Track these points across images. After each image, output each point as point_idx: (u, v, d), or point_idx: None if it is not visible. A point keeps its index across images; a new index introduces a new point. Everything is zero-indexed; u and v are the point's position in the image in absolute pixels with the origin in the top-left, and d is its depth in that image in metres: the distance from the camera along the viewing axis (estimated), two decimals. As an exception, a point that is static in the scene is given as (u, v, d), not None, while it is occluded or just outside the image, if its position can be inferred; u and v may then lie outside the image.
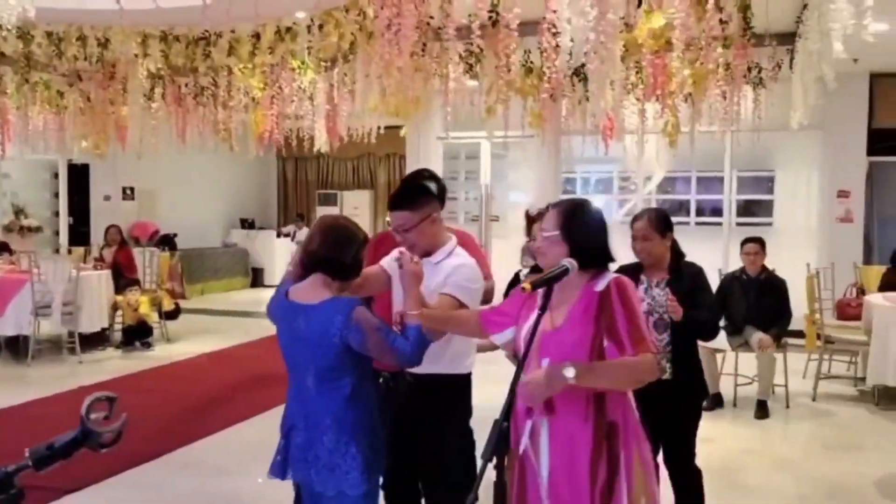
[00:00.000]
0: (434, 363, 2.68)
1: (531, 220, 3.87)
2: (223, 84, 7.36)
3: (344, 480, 2.41)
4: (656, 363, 2.40)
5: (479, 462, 2.05)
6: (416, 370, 2.68)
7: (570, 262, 2.42)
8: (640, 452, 2.35)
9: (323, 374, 2.45)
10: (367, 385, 2.53)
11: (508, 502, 3.30)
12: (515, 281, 3.52)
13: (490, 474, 1.99)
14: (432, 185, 3.42)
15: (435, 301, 2.69)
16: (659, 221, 3.37)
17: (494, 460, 2.03)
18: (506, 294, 3.47)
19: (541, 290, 2.27)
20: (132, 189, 11.94)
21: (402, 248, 2.71)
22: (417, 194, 3.04)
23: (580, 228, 2.40)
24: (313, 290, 2.48)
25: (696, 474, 3.34)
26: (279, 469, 2.52)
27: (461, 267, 2.79)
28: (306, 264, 2.53)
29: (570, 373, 2.18)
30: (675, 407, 3.22)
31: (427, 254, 2.80)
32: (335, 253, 2.48)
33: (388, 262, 2.88)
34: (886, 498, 4.19)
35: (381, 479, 2.59)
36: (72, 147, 8.56)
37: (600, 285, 2.34)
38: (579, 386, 2.20)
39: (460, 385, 2.87)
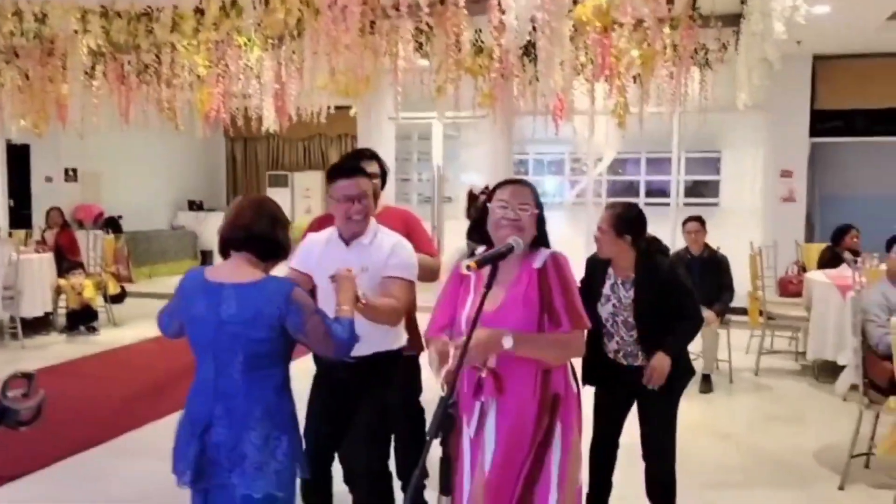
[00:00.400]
0: (372, 343, 2.75)
1: (474, 198, 3.87)
2: (167, 61, 7.17)
3: (274, 480, 2.24)
4: (584, 340, 2.48)
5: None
6: (357, 353, 2.66)
7: (515, 241, 2.43)
8: (577, 417, 2.43)
9: (253, 361, 2.26)
10: (288, 379, 2.38)
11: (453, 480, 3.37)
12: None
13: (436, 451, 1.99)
14: (373, 164, 3.46)
15: (382, 286, 2.74)
16: (618, 220, 3.17)
17: (440, 437, 2.04)
18: None
19: (485, 269, 2.27)
20: (75, 170, 11.61)
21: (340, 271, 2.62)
22: (374, 164, 3.30)
23: (542, 208, 2.45)
24: (240, 270, 2.31)
25: (671, 470, 3.27)
26: (190, 475, 2.26)
27: (399, 246, 2.86)
28: (234, 241, 2.34)
29: (508, 342, 2.22)
30: (650, 393, 3.17)
31: (357, 234, 2.85)
32: (269, 230, 2.34)
33: (302, 264, 2.92)
34: (824, 467, 4.34)
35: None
36: (10, 126, 8.26)
37: (537, 262, 2.38)
38: (517, 355, 2.26)
39: (397, 359, 2.95)
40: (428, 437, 2.01)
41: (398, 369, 2.97)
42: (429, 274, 3.45)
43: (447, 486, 2.05)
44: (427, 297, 2.98)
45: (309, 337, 2.29)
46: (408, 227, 3.63)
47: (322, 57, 6.40)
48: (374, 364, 2.85)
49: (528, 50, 6.55)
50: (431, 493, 2.41)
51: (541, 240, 2.44)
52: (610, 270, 3.26)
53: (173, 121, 8.04)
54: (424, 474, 3.59)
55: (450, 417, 2.03)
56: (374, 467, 2.85)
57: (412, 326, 3.55)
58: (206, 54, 7.05)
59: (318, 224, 3.28)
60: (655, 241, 3.35)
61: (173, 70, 7.22)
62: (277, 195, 13.88)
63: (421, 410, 3.67)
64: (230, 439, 2.23)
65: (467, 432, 2.36)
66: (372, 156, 3.48)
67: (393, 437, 3.69)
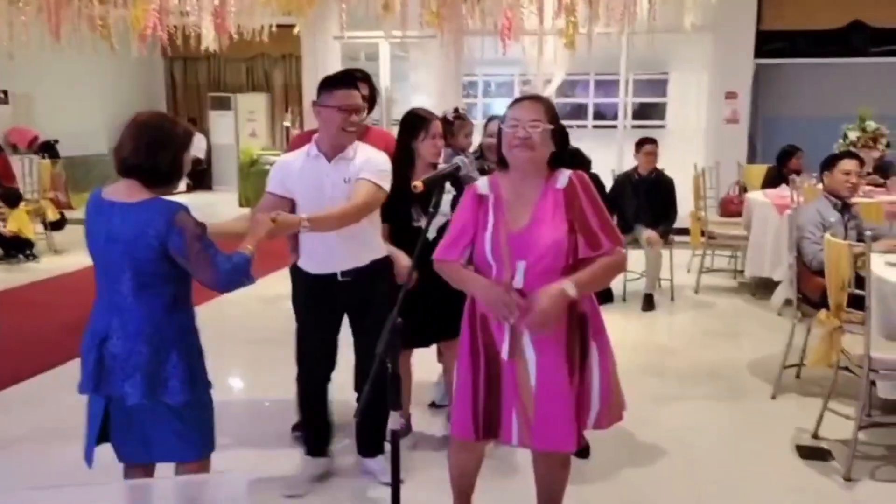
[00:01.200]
0: (359, 257, 2.98)
1: (448, 123, 3.83)
2: (98, -25, 6.81)
3: (163, 390, 2.31)
4: (626, 256, 2.48)
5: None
6: (344, 267, 2.96)
7: (461, 161, 2.42)
8: (608, 337, 2.44)
9: (141, 279, 2.29)
10: (188, 297, 2.40)
11: (404, 396, 3.44)
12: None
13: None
14: (364, 87, 3.47)
15: (353, 188, 2.85)
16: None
17: (388, 354, 2.07)
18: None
19: (488, 192, 2.33)
20: (5, 92, 11.08)
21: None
22: (366, 81, 3.42)
23: (560, 123, 2.36)
24: (129, 190, 2.31)
25: None
26: (90, 384, 2.36)
27: (373, 156, 2.97)
28: (119, 170, 2.34)
29: (572, 291, 2.19)
30: None
31: (342, 149, 2.94)
32: (147, 159, 2.28)
33: (280, 187, 2.97)
34: (757, 378, 4.55)
35: (209, 389, 2.46)
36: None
37: (560, 182, 2.32)
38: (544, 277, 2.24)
39: (388, 264, 3.12)
40: (378, 354, 2.05)
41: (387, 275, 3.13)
42: None
43: (396, 402, 2.10)
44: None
45: (190, 262, 2.28)
46: (388, 148, 3.65)
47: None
48: (369, 275, 3.02)
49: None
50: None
51: (561, 159, 2.36)
52: None
53: (108, 39, 7.70)
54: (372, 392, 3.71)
55: (397, 335, 2.06)
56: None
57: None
58: (139, -33, 6.72)
59: (299, 141, 3.28)
60: (579, 154, 3.41)
61: (105, -16, 6.87)
62: (220, 118, 13.60)
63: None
64: (124, 351, 2.31)
65: (500, 355, 2.34)
66: (363, 77, 3.47)
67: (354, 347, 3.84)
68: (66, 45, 7.66)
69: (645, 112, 11.98)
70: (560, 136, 2.34)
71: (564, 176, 2.34)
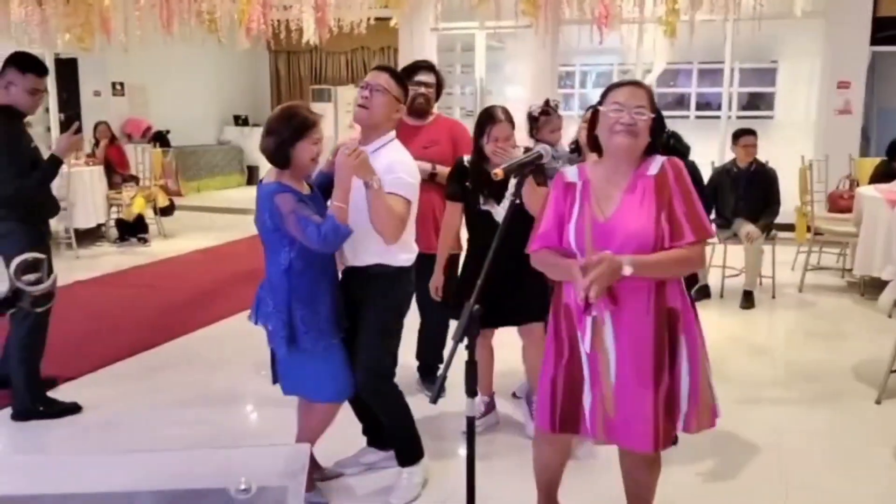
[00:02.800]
0: (366, 255, 2.84)
1: (534, 119, 3.82)
2: (207, -29, 7.10)
3: (272, 337, 2.77)
4: (704, 252, 2.36)
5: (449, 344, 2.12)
6: (350, 262, 2.90)
7: (544, 149, 2.40)
8: (701, 338, 2.33)
9: (266, 245, 2.75)
10: (308, 264, 2.71)
11: (485, 376, 3.45)
12: (460, 168, 3.41)
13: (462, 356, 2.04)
14: (430, 75, 3.55)
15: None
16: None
17: (465, 341, 2.09)
18: (450, 179, 3.46)
19: (576, 179, 2.28)
20: (122, 84, 11.73)
21: (344, 143, 2.77)
22: (430, 74, 3.60)
23: (660, 115, 2.29)
24: (269, 175, 2.74)
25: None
26: (253, 313, 2.82)
27: (398, 163, 2.80)
28: None
29: (627, 270, 2.10)
30: None
31: (366, 141, 2.86)
32: (262, 145, 2.69)
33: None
34: (860, 381, 4.32)
35: (321, 346, 2.76)
36: (56, 40, 8.35)
37: (652, 169, 2.24)
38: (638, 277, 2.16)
39: (391, 276, 2.89)
40: (454, 341, 2.07)
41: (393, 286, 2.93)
42: None
43: (472, 388, 2.12)
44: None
45: (293, 233, 2.63)
46: (453, 137, 3.71)
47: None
48: (365, 279, 2.88)
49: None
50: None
51: (655, 147, 2.29)
52: None
53: (215, 33, 8.03)
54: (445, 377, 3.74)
55: (475, 322, 2.07)
56: (372, 363, 2.88)
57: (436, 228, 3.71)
58: (245, -37, 6.97)
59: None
60: (677, 138, 3.30)
61: (213, -20, 7.16)
62: (320, 110, 13.83)
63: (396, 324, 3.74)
64: (262, 298, 2.80)
65: (581, 348, 2.29)
66: (429, 67, 3.69)
67: (423, 328, 3.87)
68: (177, 38, 8.05)
69: (752, 102, 11.53)
70: (658, 124, 2.26)
71: (657, 163, 2.25)
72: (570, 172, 2.35)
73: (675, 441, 3.25)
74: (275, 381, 2.92)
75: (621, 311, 2.22)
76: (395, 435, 3.10)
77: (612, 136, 2.21)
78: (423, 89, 3.71)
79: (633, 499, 2.56)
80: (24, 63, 3.61)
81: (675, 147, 3.30)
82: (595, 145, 2.31)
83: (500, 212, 3.24)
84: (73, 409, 3.86)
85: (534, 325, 3.33)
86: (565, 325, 2.33)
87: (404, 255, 2.91)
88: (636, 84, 2.31)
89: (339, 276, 2.94)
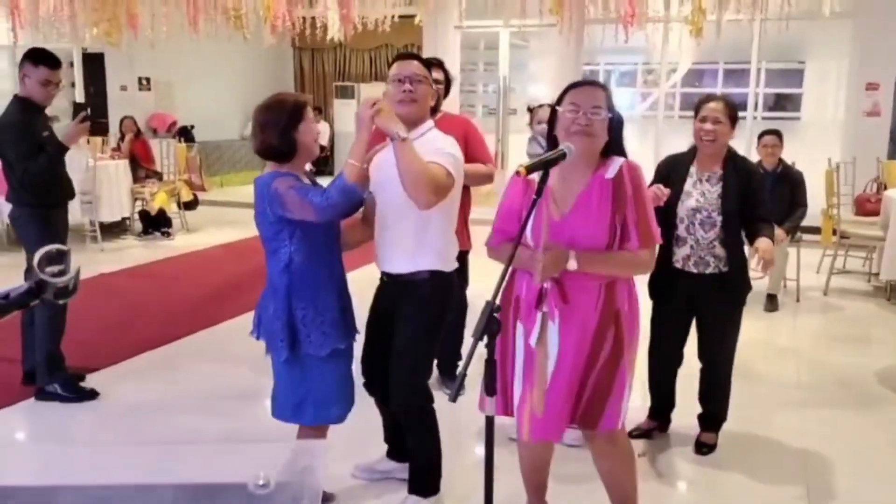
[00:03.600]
0: (409, 260, 2.64)
1: (530, 110, 3.93)
2: (232, -32, 7.15)
3: (272, 343, 2.58)
4: (653, 258, 2.42)
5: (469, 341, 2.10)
6: (387, 269, 2.72)
7: (567, 147, 2.38)
8: (637, 338, 2.43)
9: (265, 242, 2.58)
10: (310, 259, 2.53)
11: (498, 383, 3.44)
12: None
13: (482, 352, 2.03)
14: (439, 72, 3.52)
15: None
16: (732, 108, 3.22)
17: (485, 339, 2.08)
18: None
19: (535, 177, 2.23)
20: (148, 79, 11.84)
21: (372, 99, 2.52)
22: (438, 70, 3.47)
23: (618, 114, 2.33)
24: (268, 168, 2.58)
25: (728, 376, 3.33)
26: (254, 327, 2.69)
27: (440, 137, 2.68)
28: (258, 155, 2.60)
29: (572, 264, 2.18)
30: (717, 302, 3.21)
31: (406, 121, 2.61)
32: (261, 140, 2.51)
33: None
34: (883, 386, 4.26)
35: (326, 350, 2.55)
36: (84, 35, 8.44)
37: (610, 172, 2.28)
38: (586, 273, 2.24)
39: (433, 284, 2.67)
40: (473, 339, 2.06)
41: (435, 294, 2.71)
42: (484, 178, 3.57)
43: (492, 387, 2.11)
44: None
45: (293, 211, 2.44)
46: (466, 134, 3.68)
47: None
48: (402, 286, 2.68)
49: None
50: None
51: (615, 147, 2.32)
52: (692, 168, 3.23)
53: (241, 30, 8.08)
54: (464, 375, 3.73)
55: (495, 321, 2.06)
56: (412, 378, 2.72)
57: (465, 225, 3.68)
58: (270, -40, 7.01)
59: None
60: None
61: (238, -24, 7.21)
62: (344, 107, 13.96)
63: (464, 304, 3.74)
64: (261, 302, 2.67)
65: (527, 340, 2.35)
66: (437, 63, 3.62)
67: None
68: (202, 34, 8.11)
69: (779, 103, 11.43)
70: (615, 123, 2.29)
71: (615, 165, 2.28)
72: (518, 168, 2.36)
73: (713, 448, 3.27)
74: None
75: (571, 310, 2.29)
76: (416, 458, 2.85)
77: (568, 137, 2.25)
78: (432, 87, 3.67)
79: (611, 495, 2.57)
80: (37, 56, 3.80)
81: None
82: (555, 145, 2.33)
83: None
84: (91, 394, 3.97)
85: None
86: (511, 318, 2.40)
87: (443, 259, 2.70)
88: (593, 84, 2.37)
89: (380, 280, 2.78)
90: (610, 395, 2.34)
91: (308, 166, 2.75)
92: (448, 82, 3.76)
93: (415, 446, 2.84)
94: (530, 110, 3.95)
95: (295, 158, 2.54)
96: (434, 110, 3.63)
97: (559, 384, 2.32)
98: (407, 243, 2.63)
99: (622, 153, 2.37)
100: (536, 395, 2.33)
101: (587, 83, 2.36)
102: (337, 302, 2.59)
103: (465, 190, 3.51)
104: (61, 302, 1.37)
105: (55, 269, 1.37)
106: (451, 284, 2.76)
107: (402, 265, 2.68)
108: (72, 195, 4.11)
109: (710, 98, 3.27)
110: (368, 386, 2.90)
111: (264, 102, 2.58)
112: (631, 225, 2.25)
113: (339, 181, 2.41)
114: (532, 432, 2.36)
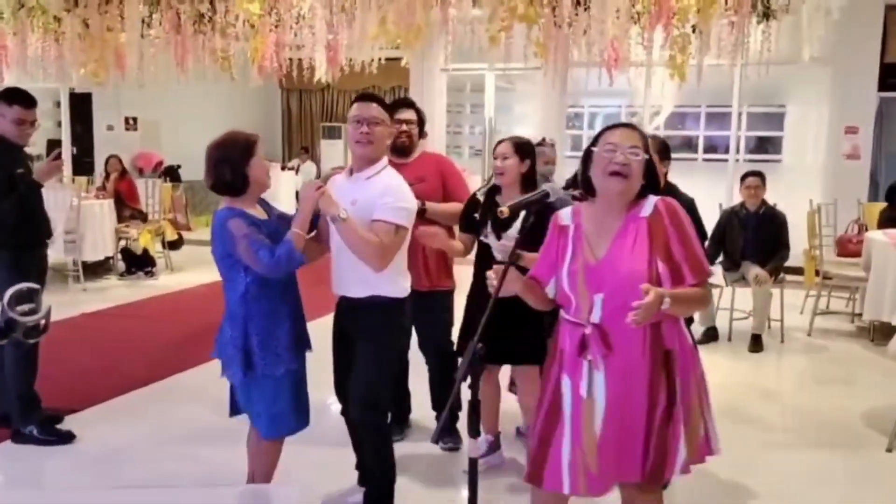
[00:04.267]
0: (355, 286, 2.82)
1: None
2: (221, 10, 7.21)
3: (228, 369, 2.75)
4: (708, 292, 2.33)
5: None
6: (346, 294, 2.86)
7: (550, 188, 2.40)
8: (696, 375, 2.27)
9: (223, 274, 2.73)
10: (265, 289, 2.68)
11: (489, 414, 3.41)
12: (472, 202, 3.47)
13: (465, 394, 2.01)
14: (410, 112, 3.56)
15: (371, 229, 2.70)
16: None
17: (469, 380, 2.06)
18: (463, 215, 3.48)
19: (569, 222, 2.28)
20: (135, 119, 11.88)
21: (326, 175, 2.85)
22: (410, 111, 3.57)
23: (650, 155, 2.26)
24: (223, 203, 2.73)
25: None
26: (215, 349, 2.82)
27: (392, 188, 2.80)
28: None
29: (666, 303, 2.04)
30: None
31: (359, 168, 2.87)
32: (214, 176, 2.68)
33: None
34: (870, 428, 4.24)
35: (279, 371, 2.72)
36: (71, 75, 8.47)
37: (644, 211, 2.21)
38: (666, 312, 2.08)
39: (384, 307, 2.84)
40: (457, 380, 2.04)
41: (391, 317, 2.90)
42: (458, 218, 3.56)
43: (475, 429, 2.08)
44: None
45: (243, 257, 2.62)
46: (443, 172, 3.71)
47: (373, 6, 6.36)
48: (360, 310, 2.85)
49: (582, -4, 6.39)
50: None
51: (650, 188, 2.26)
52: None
53: (228, 71, 8.12)
54: (454, 414, 3.71)
55: (479, 361, 2.05)
56: (367, 397, 2.86)
57: (446, 264, 3.71)
58: (259, 3, 7.07)
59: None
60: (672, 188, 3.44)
61: (227, 19, 7.26)
62: (330, 147, 14.05)
63: (451, 344, 3.71)
64: (220, 330, 2.80)
65: (576, 392, 2.24)
66: (409, 104, 3.70)
67: (428, 370, 3.82)
68: (190, 75, 8.15)
69: (761, 146, 11.58)
70: (650, 167, 2.25)
71: (650, 203, 2.22)
72: (564, 215, 2.34)
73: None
74: (232, 413, 2.91)
75: (615, 357, 2.18)
76: (371, 478, 3.04)
77: (605, 178, 2.19)
78: (404, 126, 3.61)
79: None
80: (10, 96, 3.81)
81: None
82: (588, 187, 2.29)
83: (497, 246, 3.25)
84: (68, 437, 3.89)
85: (528, 367, 3.30)
86: (555, 371, 2.30)
87: (396, 285, 2.85)
88: (630, 126, 2.31)
89: (336, 304, 2.96)
90: (670, 446, 2.20)
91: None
92: (422, 121, 3.74)
93: (370, 457, 3.01)
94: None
95: (247, 193, 2.70)
96: (408, 150, 3.66)
97: (609, 436, 2.20)
98: (361, 270, 2.75)
99: (656, 192, 2.30)
100: (588, 449, 2.22)
101: (623, 125, 2.32)
102: (291, 327, 2.75)
103: (449, 230, 3.52)
104: (31, 341, 1.35)
105: (25, 307, 1.35)
106: (403, 309, 2.91)
107: (357, 290, 2.83)
108: (48, 235, 4.05)
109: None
110: (342, 403, 3.05)
111: (216, 140, 2.74)
112: (681, 262, 2.16)
113: (287, 247, 2.60)
114: (589, 488, 2.24)
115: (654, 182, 2.27)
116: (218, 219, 2.65)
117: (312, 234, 2.81)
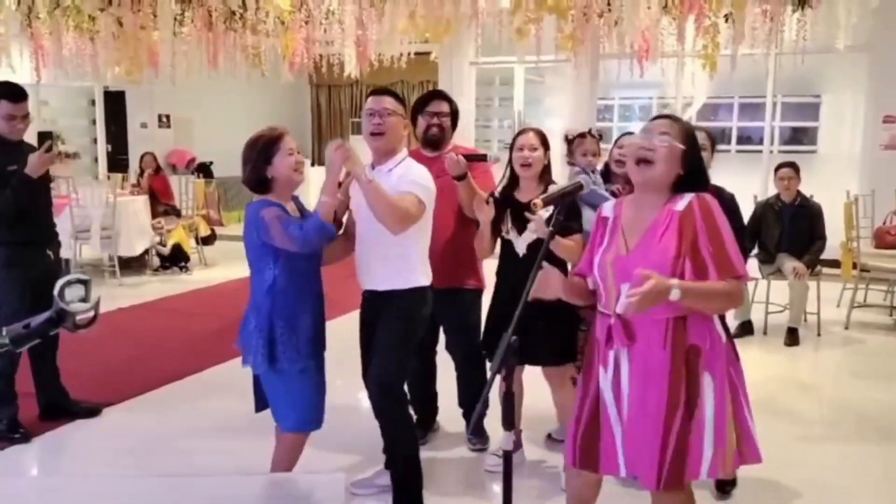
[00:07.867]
0: (378, 280, 2.90)
1: (571, 142, 3.80)
2: (252, 7, 7.26)
3: (250, 358, 2.78)
4: (741, 290, 2.24)
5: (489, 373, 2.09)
6: (368, 286, 2.95)
7: (584, 179, 2.39)
8: (730, 375, 2.19)
9: (252, 264, 2.78)
10: (292, 281, 2.73)
11: (518, 415, 3.39)
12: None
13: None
14: (442, 104, 3.53)
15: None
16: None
17: (503, 372, 2.05)
18: None
19: (610, 213, 2.27)
20: (168, 117, 12.01)
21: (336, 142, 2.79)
22: (443, 103, 3.59)
23: (696, 148, 2.24)
24: (257, 197, 2.78)
25: None
26: (239, 339, 2.86)
27: (413, 168, 2.90)
28: None
29: (675, 294, 2.00)
30: None
31: (379, 162, 2.94)
32: (244, 174, 2.75)
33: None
34: (910, 423, 4.17)
35: (300, 366, 2.76)
36: (105, 73, 8.59)
37: (680, 205, 2.17)
38: (677, 304, 2.04)
39: (405, 296, 2.91)
40: (491, 372, 2.04)
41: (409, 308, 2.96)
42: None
43: (509, 421, 2.08)
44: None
45: (275, 239, 2.65)
46: (469, 164, 3.66)
47: (402, 0, 6.36)
48: (380, 302, 2.92)
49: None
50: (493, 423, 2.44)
51: (692, 183, 2.20)
52: None
53: (259, 67, 8.19)
54: (485, 406, 3.70)
55: (513, 354, 2.04)
56: (383, 379, 2.91)
57: (474, 263, 3.64)
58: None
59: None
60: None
61: (258, 16, 7.31)
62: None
63: (479, 345, 3.67)
64: (245, 319, 2.85)
65: (602, 383, 2.25)
66: (442, 96, 3.69)
67: (455, 370, 3.80)
68: (222, 72, 8.23)
69: (796, 136, 11.40)
70: (691, 159, 2.20)
71: (686, 199, 2.18)
72: (608, 207, 2.36)
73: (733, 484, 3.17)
74: (258, 408, 2.94)
75: (636, 349, 2.17)
76: (392, 461, 3.08)
77: (632, 167, 2.21)
78: (435, 119, 3.58)
79: None
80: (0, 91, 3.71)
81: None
82: (629, 179, 2.30)
83: (519, 242, 3.22)
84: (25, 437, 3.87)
85: (555, 368, 3.28)
86: (593, 360, 2.31)
87: (417, 276, 2.94)
88: (671, 117, 2.30)
89: (362, 297, 3.02)
90: (691, 447, 2.13)
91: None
92: (454, 113, 3.67)
93: (387, 438, 3.03)
94: (570, 141, 3.79)
95: (275, 189, 2.75)
96: (440, 142, 3.62)
97: (633, 427, 2.19)
98: (385, 261, 2.85)
99: (703, 190, 2.23)
100: (618, 436, 2.23)
101: (665, 116, 2.30)
102: (312, 322, 2.79)
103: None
104: (82, 331, 1.38)
105: (75, 296, 1.38)
106: (424, 300, 2.97)
107: (381, 282, 2.91)
108: (49, 238, 3.95)
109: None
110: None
111: (247, 143, 2.79)
112: (707, 259, 2.12)
113: (315, 219, 2.65)
114: (628, 467, 2.23)
115: (698, 176, 2.23)
116: (251, 209, 2.72)
117: (340, 232, 2.88)
